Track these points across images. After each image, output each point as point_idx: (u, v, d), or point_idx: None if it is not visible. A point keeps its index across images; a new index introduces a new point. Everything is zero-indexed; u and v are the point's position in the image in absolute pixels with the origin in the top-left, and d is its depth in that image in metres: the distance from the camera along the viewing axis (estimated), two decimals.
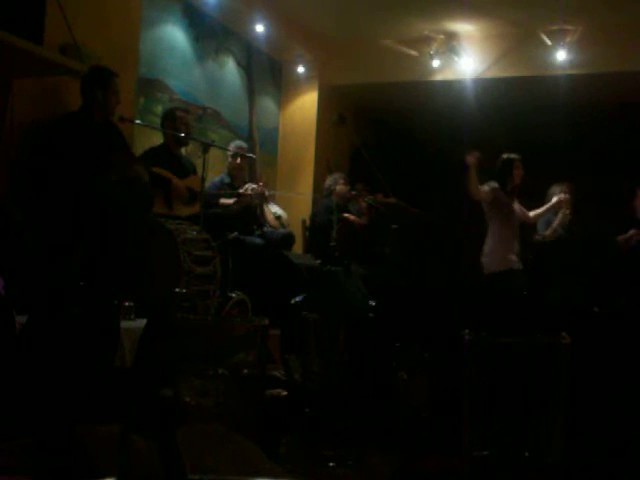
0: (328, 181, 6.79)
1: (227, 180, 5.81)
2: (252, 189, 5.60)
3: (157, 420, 0.67)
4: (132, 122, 4.90)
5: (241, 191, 5.55)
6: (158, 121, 5.64)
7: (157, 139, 5.43)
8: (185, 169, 5.19)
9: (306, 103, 7.75)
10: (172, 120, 5.15)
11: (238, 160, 5.83)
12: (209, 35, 6.39)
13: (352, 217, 6.64)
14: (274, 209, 6.41)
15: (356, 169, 7.99)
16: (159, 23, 5.72)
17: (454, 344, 0.75)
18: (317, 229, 6.55)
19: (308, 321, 1.05)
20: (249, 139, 6.98)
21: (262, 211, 6.04)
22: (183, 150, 5.44)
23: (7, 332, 1.59)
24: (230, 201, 5.52)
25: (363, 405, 1.06)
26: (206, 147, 4.82)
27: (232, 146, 5.93)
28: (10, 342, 1.56)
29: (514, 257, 5.81)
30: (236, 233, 5.20)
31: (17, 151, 4.21)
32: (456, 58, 7.16)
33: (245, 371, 0.78)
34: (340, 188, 6.61)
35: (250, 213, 5.74)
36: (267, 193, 5.96)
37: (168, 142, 5.21)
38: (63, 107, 4.51)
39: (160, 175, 4.76)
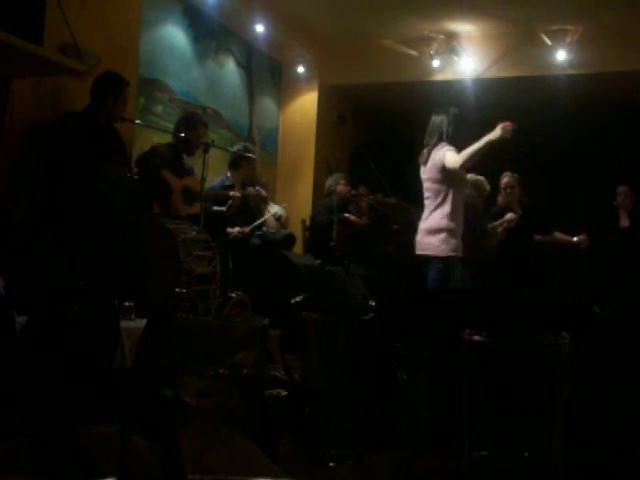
0: (329, 181, 6.79)
1: (228, 183, 5.80)
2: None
3: (157, 420, 0.67)
4: (132, 122, 4.90)
5: (231, 193, 5.53)
6: (158, 121, 5.63)
7: (157, 139, 5.43)
8: (184, 170, 5.19)
9: (306, 103, 7.75)
10: (192, 129, 5.14)
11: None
12: (209, 35, 6.39)
13: (352, 217, 6.64)
14: (273, 210, 6.40)
15: (356, 169, 7.99)
16: (159, 23, 5.72)
17: (454, 344, 0.75)
18: (317, 229, 6.55)
19: (308, 321, 1.05)
20: (249, 139, 6.98)
21: (261, 212, 6.05)
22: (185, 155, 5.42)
23: (7, 332, 1.59)
24: (223, 208, 5.51)
25: (363, 405, 1.06)
26: (206, 147, 4.82)
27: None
28: (10, 342, 1.56)
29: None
30: (237, 229, 5.21)
31: (18, 150, 4.21)
32: (456, 58, 7.16)
33: (245, 371, 0.78)
34: (341, 188, 6.62)
35: (250, 214, 5.73)
36: (265, 193, 5.95)
37: (177, 144, 5.19)
38: (63, 107, 4.51)
39: (165, 181, 4.76)
